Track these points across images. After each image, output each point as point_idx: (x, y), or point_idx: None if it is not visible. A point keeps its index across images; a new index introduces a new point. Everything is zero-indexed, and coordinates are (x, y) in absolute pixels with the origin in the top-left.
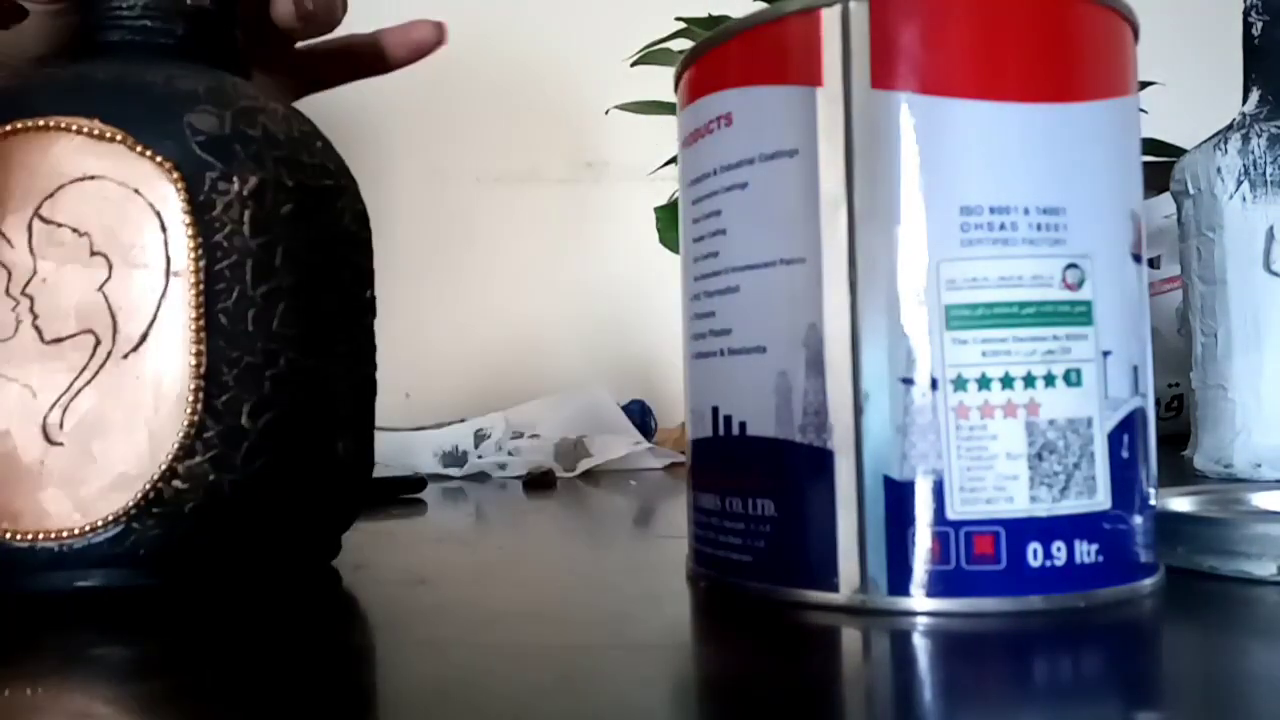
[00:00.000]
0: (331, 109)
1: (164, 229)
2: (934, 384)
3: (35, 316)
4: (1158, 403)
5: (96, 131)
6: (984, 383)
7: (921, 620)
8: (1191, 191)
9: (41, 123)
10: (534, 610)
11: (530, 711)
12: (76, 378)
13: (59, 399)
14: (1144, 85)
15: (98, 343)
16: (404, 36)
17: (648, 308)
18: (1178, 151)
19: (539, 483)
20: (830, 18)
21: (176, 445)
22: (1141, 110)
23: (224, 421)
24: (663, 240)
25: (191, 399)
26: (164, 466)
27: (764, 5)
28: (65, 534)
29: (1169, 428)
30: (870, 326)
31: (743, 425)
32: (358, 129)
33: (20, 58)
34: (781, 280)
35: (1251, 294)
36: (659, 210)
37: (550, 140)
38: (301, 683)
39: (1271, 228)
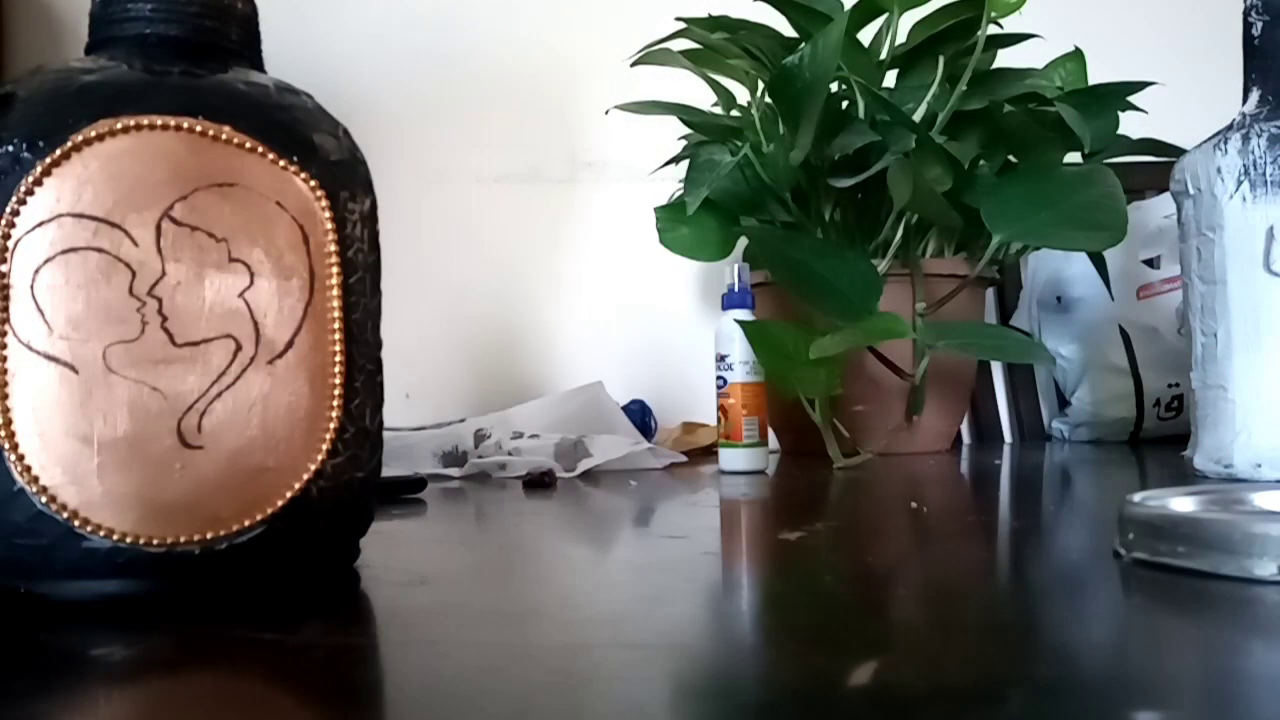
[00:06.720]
0: (332, 109)
1: (307, 242)
2: None
3: (164, 319)
4: (1158, 403)
5: (226, 137)
6: None
7: None
8: (1191, 191)
9: (160, 122)
10: (534, 610)
11: (530, 711)
12: (214, 382)
13: (195, 403)
14: (1144, 85)
15: (238, 348)
16: None
17: (648, 308)
18: (1178, 151)
19: (539, 483)
20: None
21: (327, 447)
22: (1142, 110)
23: (356, 423)
24: (663, 240)
25: (337, 402)
26: (315, 467)
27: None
28: (210, 536)
29: (1169, 428)
30: None
31: None
32: (358, 130)
33: None
34: None
35: (1251, 294)
36: (659, 210)
37: (550, 140)
38: (303, 682)
39: (1271, 228)
